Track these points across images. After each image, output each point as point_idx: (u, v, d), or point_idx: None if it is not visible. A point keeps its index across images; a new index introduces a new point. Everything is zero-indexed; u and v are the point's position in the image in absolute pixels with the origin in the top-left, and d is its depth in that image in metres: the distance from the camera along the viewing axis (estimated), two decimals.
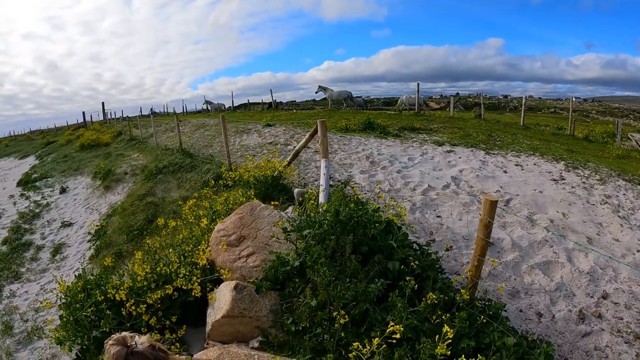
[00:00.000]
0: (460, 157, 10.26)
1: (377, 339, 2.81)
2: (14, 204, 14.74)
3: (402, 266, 3.79)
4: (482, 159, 10.28)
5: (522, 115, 20.75)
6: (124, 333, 2.15)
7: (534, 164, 10.19)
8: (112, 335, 2.14)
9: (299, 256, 3.84)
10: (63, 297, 4.50)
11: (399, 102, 29.53)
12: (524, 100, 22.52)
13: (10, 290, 8.11)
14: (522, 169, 9.69)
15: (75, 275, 5.15)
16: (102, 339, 3.25)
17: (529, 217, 7.09)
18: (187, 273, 4.07)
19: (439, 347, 2.96)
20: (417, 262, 3.76)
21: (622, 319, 4.61)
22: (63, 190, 15.28)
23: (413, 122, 16.08)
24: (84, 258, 8.73)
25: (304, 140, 7.11)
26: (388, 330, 2.89)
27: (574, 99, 28.06)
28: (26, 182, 17.92)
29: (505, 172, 9.36)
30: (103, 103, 49.03)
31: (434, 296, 3.43)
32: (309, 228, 3.98)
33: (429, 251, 4.47)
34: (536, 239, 6.28)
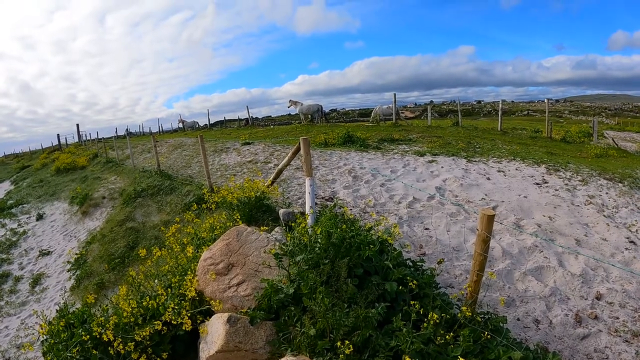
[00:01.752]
0: (442, 167, 10.24)
1: None
2: None
3: (400, 286, 3.66)
4: (464, 167, 10.28)
5: (500, 120, 20.75)
6: None
7: (516, 169, 10.21)
8: None
9: (293, 282, 3.66)
10: (45, 336, 4.27)
11: (373, 113, 29.56)
12: (500, 106, 22.25)
13: None
14: (505, 175, 9.69)
15: (56, 310, 4.94)
16: None
17: (517, 223, 7.06)
18: (176, 306, 3.85)
19: None
20: (415, 282, 3.62)
21: (618, 318, 4.58)
22: (40, 217, 14.91)
23: (392, 133, 16.11)
24: (65, 289, 8.46)
25: (286, 158, 6.95)
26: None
27: (547, 101, 28.12)
28: (2, 209, 17.38)
29: (488, 179, 9.35)
30: (78, 125, 47.84)
31: (436, 316, 3.31)
32: (301, 253, 3.82)
33: (423, 268, 4.35)
34: (526, 245, 6.24)
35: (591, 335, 4.32)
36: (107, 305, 4.53)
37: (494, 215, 3.61)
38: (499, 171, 10.00)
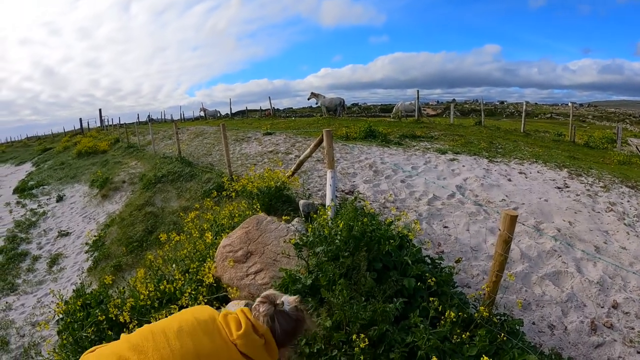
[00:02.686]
0: (464, 166, 10.15)
1: None
2: (10, 212, 14.51)
3: (418, 283, 3.64)
4: (485, 167, 10.17)
5: (523, 121, 20.54)
6: (271, 291, 2.11)
7: (538, 172, 10.08)
8: (263, 293, 2.10)
9: (311, 273, 3.65)
10: (61, 315, 4.32)
11: (395, 108, 29.27)
12: (524, 107, 21.95)
13: (6, 302, 7.89)
14: (526, 177, 9.57)
15: (73, 290, 4.98)
16: None
17: (536, 226, 6.97)
18: (193, 291, 3.88)
19: None
20: (433, 279, 3.60)
21: (633, 328, 4.50)
22: (60, 199, 15.11)
23: (414, 130, 15.95)
24: (82, 270, 8.54)
25: (308, 150, 6.93)
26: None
27: (571, 105, 27.59)
28: (22, 190, 17.72)
29: (509, 180, 9.24)
30: (100, 110, 48.46)
31: (453, 314, 3.28)
32: (321, 244, 3.80)
33: (441, 265, 4.32)
34: (545, 249, 6.15)
35: (605, 344, 4.26)
36: (124, 288, 4.58)
37: (517, 216, 3.56)
38: (520, 173, 9.88)
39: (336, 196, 6.22)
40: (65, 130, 55.82)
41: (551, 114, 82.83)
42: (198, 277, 4.06)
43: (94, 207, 12.80)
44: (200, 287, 3.94)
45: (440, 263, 4.38)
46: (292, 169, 7.61)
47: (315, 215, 4.97)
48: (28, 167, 27.70)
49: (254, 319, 1.98)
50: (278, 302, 2.02)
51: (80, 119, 47.13)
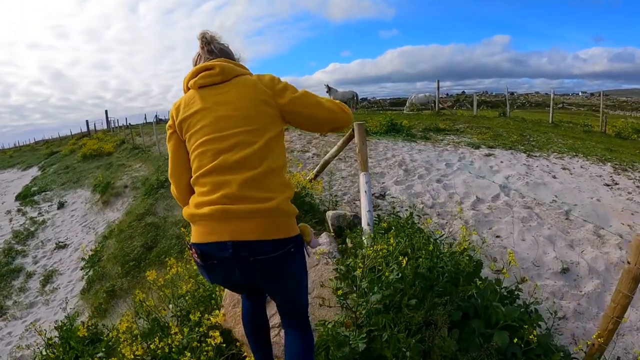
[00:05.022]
0: (502, 162, 9.02)
1: None
2: (10, 220, 13.77)
3: (515, 339, 2.55)
4: (525, 162, 9.05)
5: (551, 112, 19.25)
6: None
7: (581, 167, 8.99)
8: None
9: (361, 328, 2.52)
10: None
11: (408, 102, 28.08)
12: (552, 97, 20.63)
13: None
14: (571, 174, 8.48)
15: (60, 322, 4.17)
16: None
17: (596, 232, 5.90)
18: (194, 355, 2.81)
19: None
20: (534, 334, 2.52)
21: None
22: (61, 205, 14.25)
23: (437, 123, 14.76)
24: (75, 291, 7.61)
25: (335, 148, 5.75)
26: None
27: (602, 94, 25.89)
28: (25, 196, 16.97)
29: (554, 177, 8.15)
30: (106, 111, 47.45)
31: None
32: (372, 284, 2.69)
33: (526, 301, 3.20)
34: (612, 261, 5.14)
35: None
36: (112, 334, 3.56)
37: None
38: (563, 168, 8.78)
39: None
40: (72, 133, 55.24)
41: (562, 104, 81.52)
42: (201, 329, 2.98)
43: (94, 214, 11.86)
44: (204, 344, 2.86)
45: (518, 294, 3.30)
46: (314, 171, 6.47)
47: (347, 232, 3.96)
48: (34, 171, 26.91)
49: None
50: None
51: (87, 121, 46.36)
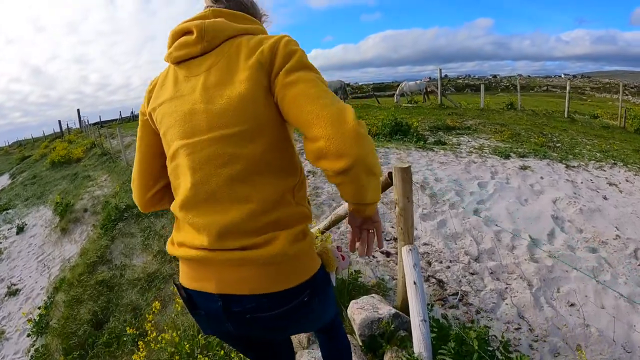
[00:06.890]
0: (542, 177, 7.32)
1: None
2: None
3: None
4: (567, 177, 7.40)
5: (567, 105, 16.80)
6: None
7: (626, 180, 7.40)
8: None
9: None
10: None
11: (399, 89, 26.34)
12: (567, 87, 17.89)
13: None
14: (620, 191, 6.92)
15: None
16: None
17: None
18: None
19: None
20: None
21: None
22: (20, 230, 12.38)
23: (443, 119, 12.88)
24: None
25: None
26: None
27: (621, 85, 23.01)
28: None
29: (605, 198, 6.56)
30: (78, 110, 44.11)
31: None
32: None
33: None
34: None
35: None
36: None
37: None
38: (609, 184, 7.17)
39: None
40: (46, 134, 52.44)
41: (547, 87, 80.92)
42: None
43: (52, 245, 9.94)
44: None
45: None
46: (321, 225, 4.40)
47: (384, 346, 2.44)
48: (5, 179, 24.76)
49: None
50: None
51: (59, 121, 43.51)
